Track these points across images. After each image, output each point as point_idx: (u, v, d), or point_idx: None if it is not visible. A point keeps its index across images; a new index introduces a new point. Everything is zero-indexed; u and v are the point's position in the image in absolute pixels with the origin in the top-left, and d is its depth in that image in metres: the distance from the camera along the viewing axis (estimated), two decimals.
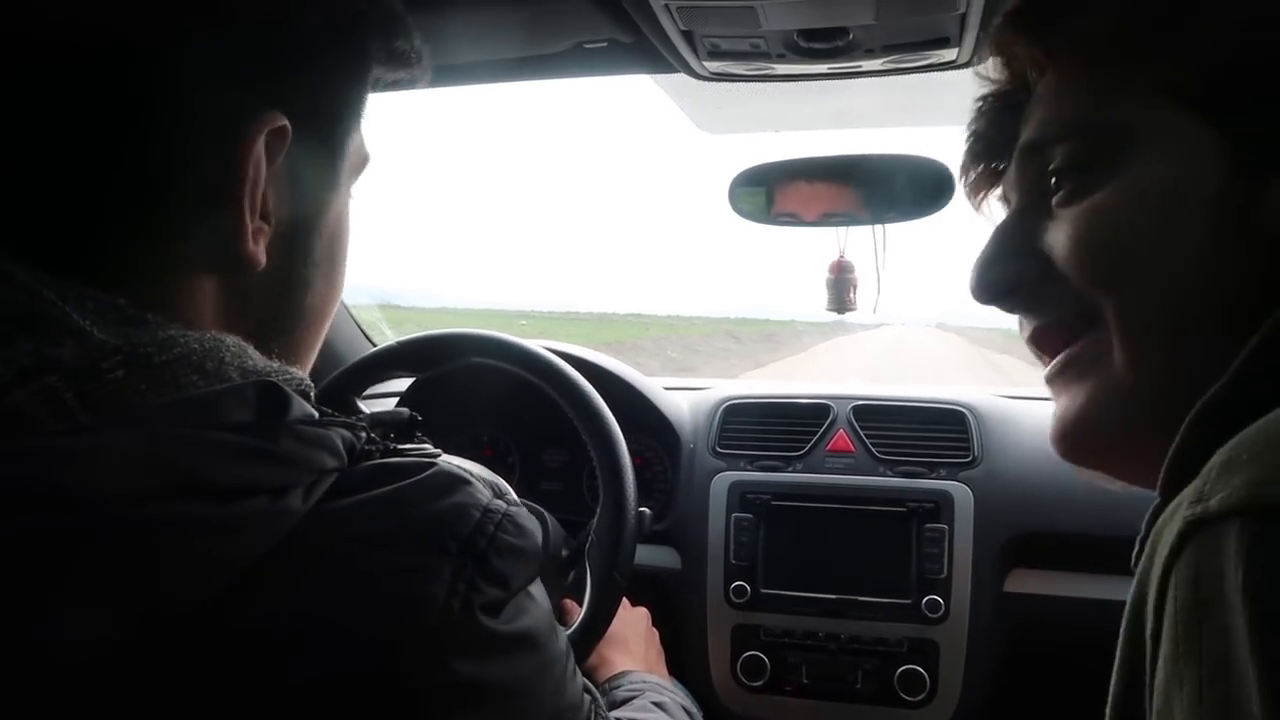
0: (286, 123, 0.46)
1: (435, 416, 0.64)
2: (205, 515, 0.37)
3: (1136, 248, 0.45)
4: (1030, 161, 0.51)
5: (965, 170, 0.59)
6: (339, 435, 0.44)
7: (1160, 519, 0.36)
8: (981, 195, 0.59)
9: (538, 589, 0.47)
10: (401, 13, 0.53)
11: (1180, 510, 0.34)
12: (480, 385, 1.25)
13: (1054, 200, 0.49)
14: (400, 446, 0.49)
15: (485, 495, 0.45)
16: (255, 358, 0.44)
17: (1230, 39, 0.44)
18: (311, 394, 0.47)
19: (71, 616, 0.34)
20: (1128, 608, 0.38)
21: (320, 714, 0.38)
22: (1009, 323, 0.56)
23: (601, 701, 0.55)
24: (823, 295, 1.32)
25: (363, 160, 0.56)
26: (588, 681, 0.54)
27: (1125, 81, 0.46)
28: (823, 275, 1.27)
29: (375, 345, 1.43)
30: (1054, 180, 0.49)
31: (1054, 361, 0.51)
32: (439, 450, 0.50)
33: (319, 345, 0.55)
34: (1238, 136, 0.43)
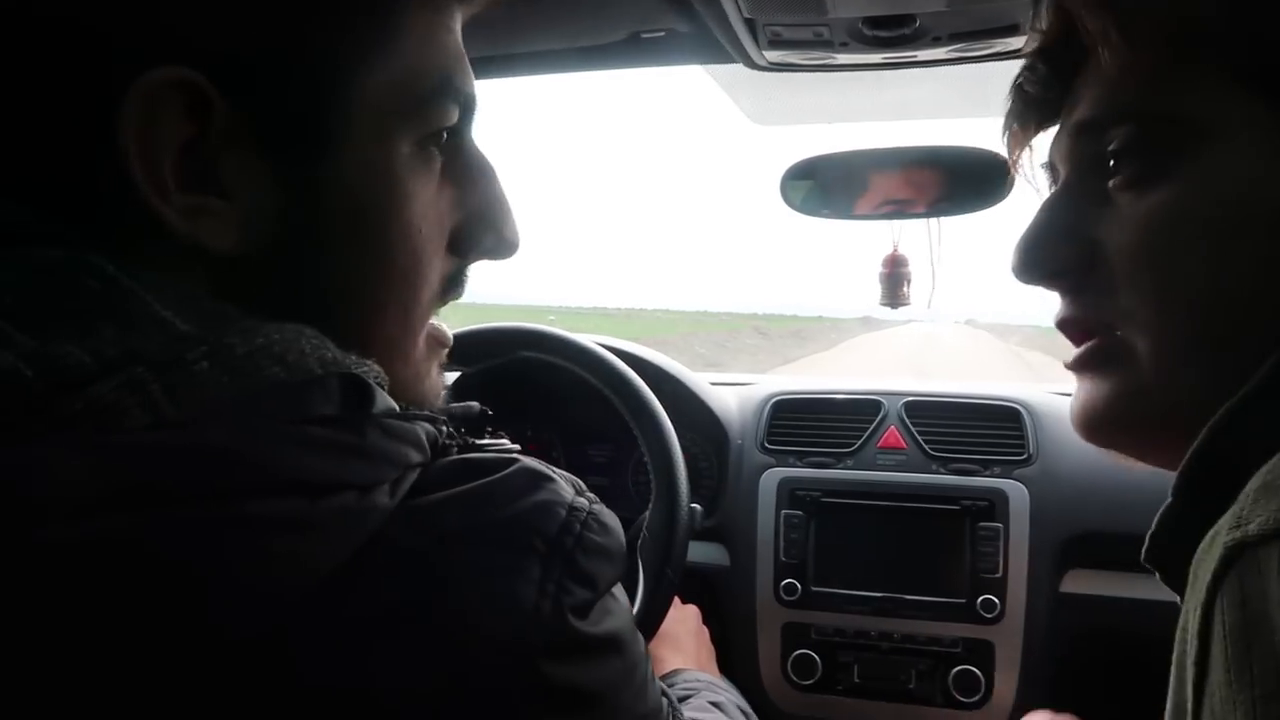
0: (197, 75, 0.38)
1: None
2: (296, 512, 0.36)
3: (1198, 262, 0.43)
4: (1085, 138, 0.48)
5: (1007, 125, 0.56)
6: (422, 429, 0.43)
7: (1199, 548, 0.36)
8: (1020, 150, 0.57)
9: (619, 590, 0.46)
10: None
11: (1219, 537, 0.33)
12: (523, 379, 1.24)
13: (1111, 183, 0.47)
14: (479, 442, 0.47)
15: (569, 493, 0.44)
16: (333, 349, 0.43)
17: None
18: (385, 385, 0.46)
19: (166, 616, 0.33)
20: (1177, 637, 0.37)
21: (408, 717, 0.37)
22: (1038, 320, 0.55)
23: (677, 703, 0.54)
24: (871, 290, 1.30)
25: (419, 98, 0.44)
26: (662, 685, 0.52)
27: (1197, 63, 0.43)
28: (875, 269, 1.26)
29: None
30: (1112, 162, 0.46)
31: (1079, 351, 0.49)
32: (517, 445, 0.49)
33: (394, 333, 0.48)
34: None
